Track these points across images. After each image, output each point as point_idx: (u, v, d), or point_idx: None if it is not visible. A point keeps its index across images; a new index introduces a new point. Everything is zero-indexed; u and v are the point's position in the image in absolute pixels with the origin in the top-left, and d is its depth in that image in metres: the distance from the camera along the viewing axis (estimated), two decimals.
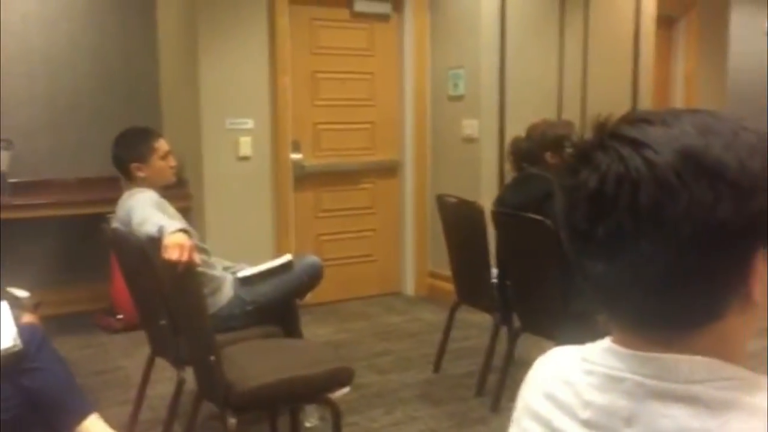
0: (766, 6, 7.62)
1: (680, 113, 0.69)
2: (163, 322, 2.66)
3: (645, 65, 5.36)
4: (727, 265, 0.65)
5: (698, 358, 0.67)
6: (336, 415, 2.44)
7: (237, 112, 4.42)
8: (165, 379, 3.19)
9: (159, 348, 2.88)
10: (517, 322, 3.24)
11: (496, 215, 3.17)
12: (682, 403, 0.66)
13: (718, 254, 0.64)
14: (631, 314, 0.70)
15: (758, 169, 0.64)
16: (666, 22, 6.00)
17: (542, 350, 0.89)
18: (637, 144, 0.66)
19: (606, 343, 0.75)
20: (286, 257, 3.04)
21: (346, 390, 2.58)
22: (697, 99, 6.14)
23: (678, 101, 6.18)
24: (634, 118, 0.70)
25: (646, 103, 5.35)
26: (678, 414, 0.65)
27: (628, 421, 0.68)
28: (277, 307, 2.98)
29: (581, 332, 0.87)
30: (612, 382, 0.71)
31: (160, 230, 2.45)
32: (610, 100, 5.04)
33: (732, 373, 0.67)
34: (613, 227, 0.66)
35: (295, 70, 4.71)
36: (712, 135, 0.66)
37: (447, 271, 3.86)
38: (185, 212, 3.63)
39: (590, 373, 0.74)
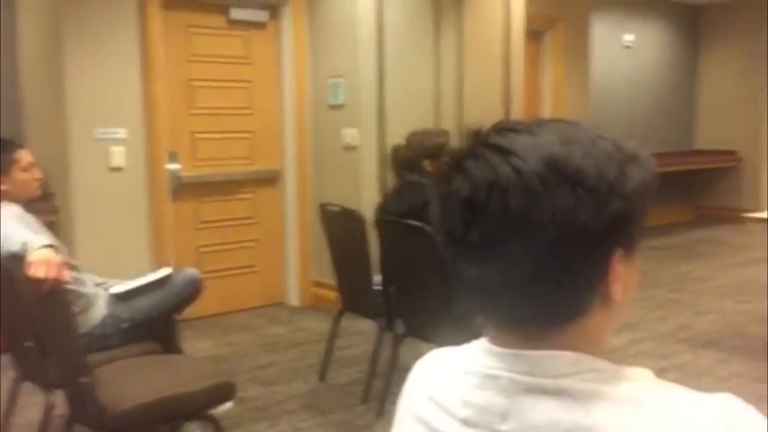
0: (624, 22, 8.18)
1: (544, 123, 0.73)
2: (29, 343, 2.50)
3: (516, 76, 5.61)
4: (589, 265, 0.69)
5: (565, 353, 0.71)
6: (218, 431, 2.38)
7: (108, 122, 4.24)
8: (33, 404, 2.99)
9: (26, 371, 2.71)
10: (401, 328, 3.28)
11: (378, 223, 3.20)
12: (552, 396, 0.69)
13: (580, 255, 0.68)
14: (504, 314, 0.73)
15: (614, 176, 0.69)
16: (534, 36, 6.30)
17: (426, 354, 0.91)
18: (505, 152, 0.69)
19: (483, 343, 0.77)
20: (164, 271, 2.95)
21: (228, 405, 2.53)
22: (563, 107, 6.49)
23: (546, 110, 6.51)
24: (503, 127, 0.73)
25: (518, 111, 5.60)
26: (548, 407, 0.69)
27: (504, 416, 0.71)
28: (155, 323, 2.88)
29: (463, 334, 0.90)
30: (489, 380, 0.73)
31: (25, 246, 2.31)
32: (484, 109, 5.23)
33: (596, 365, 0.71)
34: (485, 232, 0.68)
35: (169, 78, 4.58)
36: (573, 144, 0.69)
37: (331, 280, 3.87)
38: (52, 227, 3.43)
39: (469, 372, 0.76)
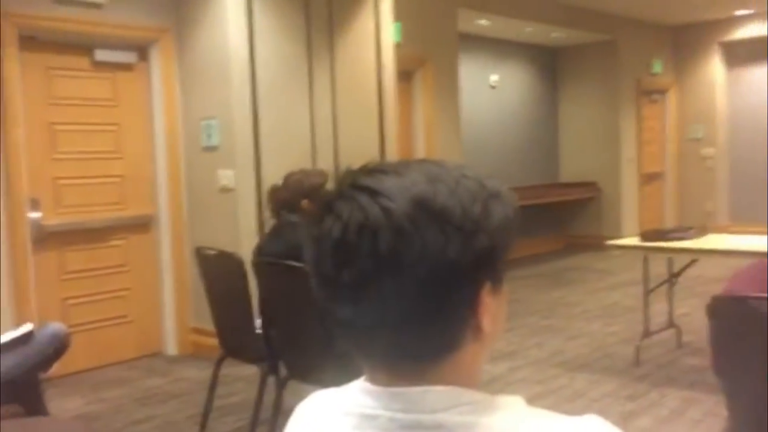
0: (490, 63, 8.60)
1: (410, 163, 0.75)
2: None
3: (389, 115, 5.74)
4: (460, 300, 0.71)
5: (441, 387, 0.72)
6: None
7: None
8: None
9: None
10: (284, 371, 3.23)
11: (256, 265, 3.15)
12: (430, 431, 0.70)
13: (451, 291, 0.70)
14: (379, 353, 0.74)
15: (478, 212, 0.71)
16: (404, 75, 6.49)
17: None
18: (374, 193, 0.70)
19: (360, 383, 0.77)
20: (25, 327, 2.75)
21: None
22: (436, 145, 6.69)
23: (420, 147, 6.69)
24: (371, 169, 0.75)
25: (392, 150, 5.72)
26: None
27: None
28: (18, 384, 2.67)
29: (346, 374, 0.90)
30: (367, 420, 0.73)
31: None
32: (360, 149, 5.30)
33: (471, 398, 0.72)
34: (357, 273, 0.69)
35: (29, 122, 4.34)
36: (439, 183, 0.72)
37: (210, 326, 3.75)
38: None
39: (348, 414, 0.76)
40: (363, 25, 5.52)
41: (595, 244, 8.38)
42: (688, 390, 3.91)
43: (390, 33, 5.66)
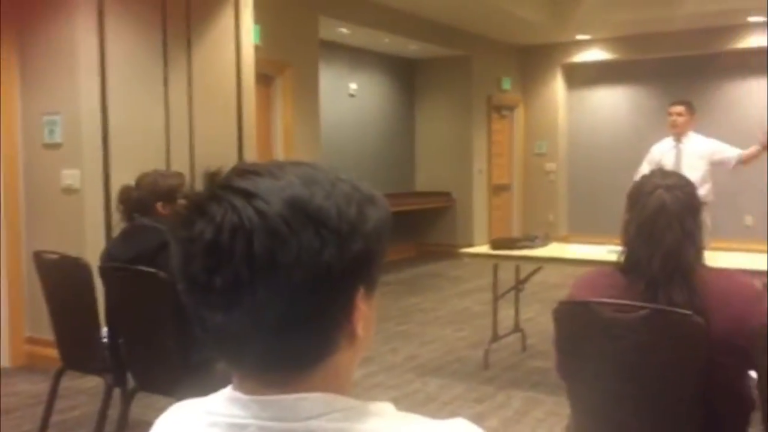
0: (350, 71, 8.68)
1: (285, 165, 0.73)
2: None
3: (248, 119, 5.63)
4: (335, 304, 0.71)
5: (314, 394, 0.71)
6: None
7: None
8: None
9: None
10: (131, 382, 3.07)
11: (104, 270, 2.98)
12: None
13: (326, 295, 0.69)
14: (251, 360, 0.72)
15: (353, 216, 0.71)
16: (264, 80, 6.41)
17: (160, 409, 0.85)
18: (248, 195, 0.68)
19: (227, 392, 0.75)
20: None
21: None
22: (295, 151, 6.66)
23: (279, 153, 6.62)
24: (244, 170, 0.72)
25: (251, 154, 5.62)
26: None
27: None
28: None
29: (202, 384, 0.86)
30: (235, 430, 0.71)
31: None
32: (217, 152, 5.17)
33: (344, 404, 0.72)
34: (231, 277, 0.66)
35: None
36: (315, 185, 0.71)
37: (48, 335, 3.50)
38: None
39: (214, 425, 0.73)
40: (222, 25, 5.40)
41: (449, 252, 8.69)
42: (531, 391, 4.13)
43: (250, 34, 5.57)
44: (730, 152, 5.26)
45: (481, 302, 6.32)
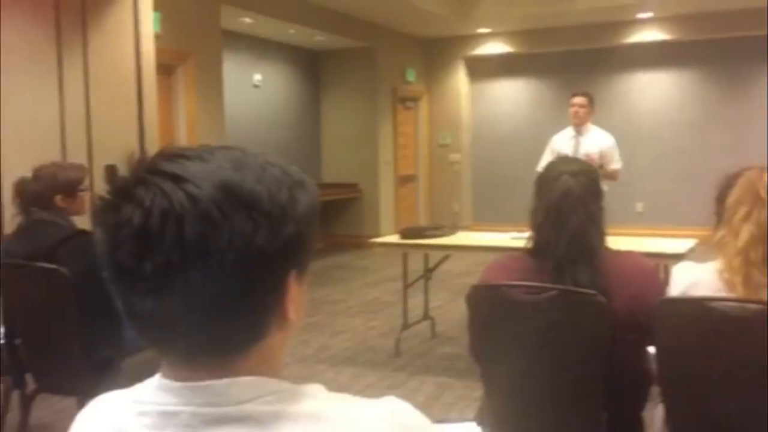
0: (254, 62, 8.55)
1: (214, 149, 0.72)
2: None
3: (149, 109, 5.45)
4: (267, 288, 0.70)
5: (246, 378, 0.70)
6: None
7: None
8: None
9: None
10: (31, 384, 2.93)
11: (0, 267, 2.83)
12: (236, 423, 0.68)
13: (259, 279, 0.69)
14: (183, 346, 0.70)
15: (285, 199, 0.71)
16: (166, 69, 6.22)
17: (61, 411, 0.82)
18: (178, 179, 0.67)
19: (156, 380, 0.73)
20: None
21: None
22: (199, 141, 6.45)
23: (183, 144, 6.44)
24: (172, 153, 0.71)
25: (153, 146, 5.44)
26: None
27: None
28: None
29: (107, 383, 0.84)
30: (167, 417, 0.70)
31: None
32: (116, 144, 4.98)
33: (276, 387, 0.72)
34: (161, 262, 0.65)
35: None
36: (245, 169, 0.70)
37: None
38: None
39: (144, 414, 0.71)
40: (120, 11, 5.19)
41: (357, 243, 8.73)
42: (442, 376, 4.22)
43: (150, 22, 5.38)
44: (615, 163, 5.31)
45: (389, 292, 6.40)
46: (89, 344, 2.65)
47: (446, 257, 4.84)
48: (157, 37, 5.51)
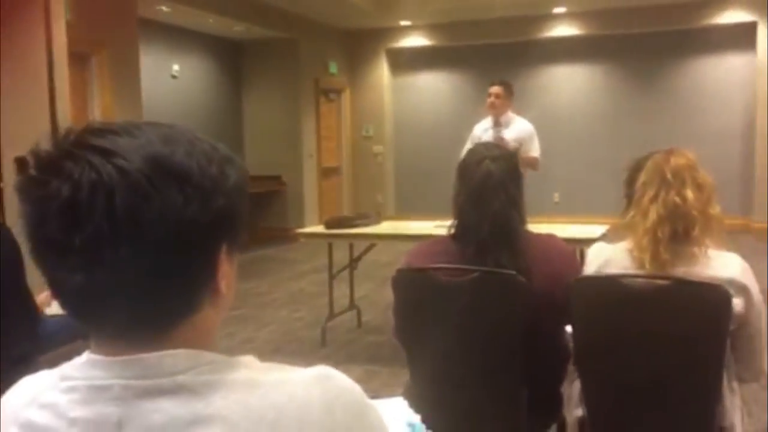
0: (172, 52, 8.35)
1: (141, 125, 0.73)
2: None
3: (62, 100, 5.26)
4: (199, 261, 0.71)
5: (179, 351, 0.71)
6: None
7: None
8: None
9: None
10: None
11: None
12: (170, 395, 0.69)
13: (190, 252, 0.70)
14: (113, 321, 0.71)
15: (215, 173, 0.72)
16: (79, 58, 6.01)
17: None
18: (106, 152, 0.67)
19: (84, 357, 0.73)
20: None
21: None
22: None
23: None
24: (98, 129, 0.71)
25: None
26: (167, 406, 0.68)
27: (119, 425, 0.68)
28: None
29: (24, 377, 0.83)
30: (97, 392, 0.70)
31: None
32: (28, 135, 4.79)
33: (210, 358, 0.73)
34: (91, 235, 0.65)
35: None
36: (174, 144, 0.71)
37: None
38: None
39: (72, 389, 0.71)
40: None
41: (281, 236, 8.68)
42: (368, 364, 4.26)
43: (61, 7, 5.18)
44: (535, 149, 5.34)
45: (315, 283, 6.40)
46: (4, 340, 2.55)
47: (371, 246, 4.88)
48: (69, 25, 5.32)
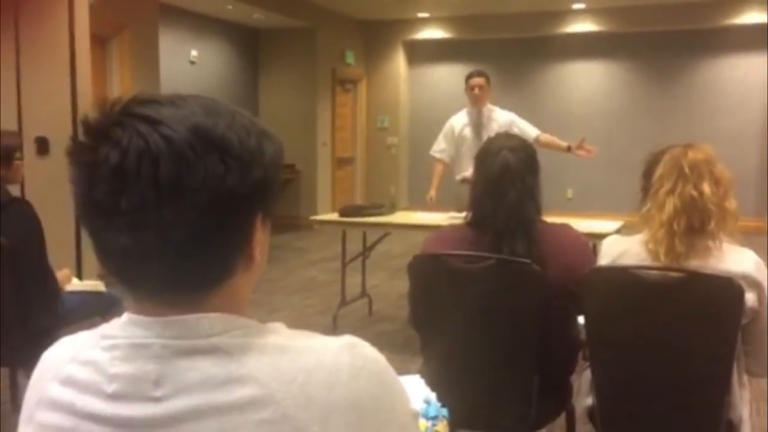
0: (191, 38, 8.40)
1: (186, 97, 0.76)
2: None
3: (83, 82, 5.31)
4: (236, 228, 0.75)
5: (214, 314, 0.75)
6: None
7: None
8: None
9: None
10: None
11: None
12: (206, 354, 0.72)
13: (229, 219, 0.73)
14: (153, 282, 0.74)
15: (253, 146, 0.76)
16: (99, 41, 6.07)
17: None
18: (153, 121, 0.70)
19: (125, 317, 0.77)
20: None
21: None
22: None
23: None
24: (144, 99, 0.74)
25: None
26: (203, 365, 0.72)
27: (157, 382, 0.72)
28: None
29: (44, 352, 0.86)
30: (137, 349, 0.73)
31: None
32: (48, 115, 4.85)
33: (243, 323, 0.76)
34: (138, 199, 0.69)
35: None
36: (216, 116, 0.74)
37: None
38: None
39: (113, 347, 0.74)
40: None
41: (294, 224, 8.72)
42: (378, 351, 4.29)
43: None
44: (529, 129, 5.08)
45: (326, 272, 6.44)
46: (26, 314, 2.61)
47: (385, 235, 4.91)
48: (91, 7, 5.36)
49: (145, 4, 6.61)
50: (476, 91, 5.07)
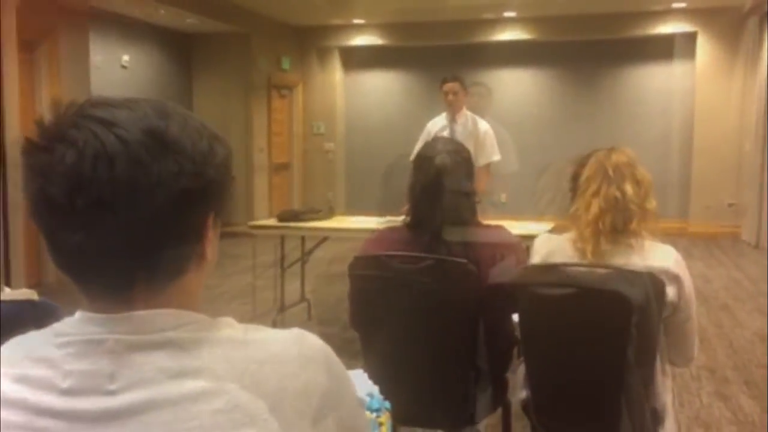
0: (123, 42, 8.24)
1: (139, 100, 0.79)
2: None
3: (10, 87, 5.17)
4: (189, 228, 0.78)
5: (168, 310, 0.78)
6: None
7: None
8: None
9: None
10: None
11: None
12: (159, 348, 0.75)
13: (182, 219, 0.77)
14: (107, 280, 0.76)
15: (205, 148, 0.79)
16: (27, 45, 5.90)
17: None
18: (107, 123, 0.73)
19: (79, 314, 0.79)
20: None
21: None
22: None
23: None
24: (98, 102, 0.77)
25: (13, 124, 5.16)
26: (156, 358, 0.75)
27: (111, 376, 0.74)
28: None
29: None
30: (92, 345, 0.75)
31: None
32: None
33: (196, 318, 0.80)
34: (93, 199, 0.71)
35: None
36: (169, 118, 0.77)
37: None
38: None
39: (67, 344, 0.76)
40: None
41: (230, 231, 8.61)
42: None
43: None
44: (490, 151, 5.05)
45: (263, 277, 6.39)
46: None
47: (324, 240, 4.94)
48: (18, 11, 5.23)
49: (75, 7, 6.47)
50: (449, 96, 5.02)
